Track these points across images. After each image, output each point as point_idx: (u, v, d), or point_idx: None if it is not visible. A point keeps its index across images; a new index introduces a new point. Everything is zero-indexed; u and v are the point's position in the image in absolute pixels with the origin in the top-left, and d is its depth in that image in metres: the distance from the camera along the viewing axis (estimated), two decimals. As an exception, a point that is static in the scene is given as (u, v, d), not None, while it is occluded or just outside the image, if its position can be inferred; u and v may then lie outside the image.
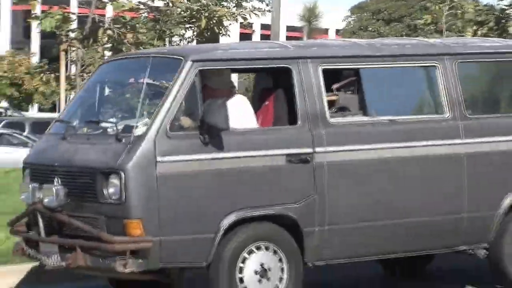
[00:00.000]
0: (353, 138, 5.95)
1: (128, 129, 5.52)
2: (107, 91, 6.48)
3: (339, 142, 5.87)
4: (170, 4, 15.66)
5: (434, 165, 6.15)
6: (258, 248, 5.63)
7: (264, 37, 37.71)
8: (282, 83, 6.01)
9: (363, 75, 6.17)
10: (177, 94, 5.49)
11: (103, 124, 5.88)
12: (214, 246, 5.46)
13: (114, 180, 5.33)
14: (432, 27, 23.82)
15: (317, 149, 5.77)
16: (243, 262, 5.57)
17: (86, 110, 6.28)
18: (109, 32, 14.56)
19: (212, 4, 16.10)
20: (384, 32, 44.63)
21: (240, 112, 5.82)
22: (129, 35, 14.53)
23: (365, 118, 6.13)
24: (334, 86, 6.27)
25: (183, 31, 17.51)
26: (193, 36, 17.44)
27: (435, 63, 6.29)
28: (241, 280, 5.56)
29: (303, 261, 5.78)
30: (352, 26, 51.01)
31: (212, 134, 5.43)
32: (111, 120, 6.00)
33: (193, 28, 16.79)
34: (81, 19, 16.00)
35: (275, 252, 5.67)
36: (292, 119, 5.85)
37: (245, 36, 39.22)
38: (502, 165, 6.35)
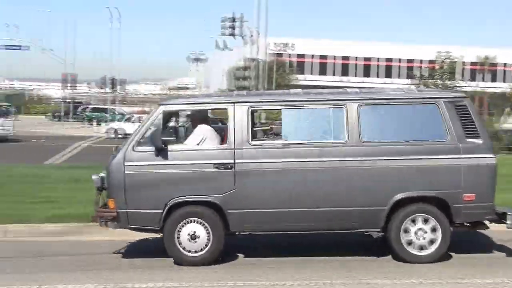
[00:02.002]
0: (262, 154, 9.32)
1: (122, 146, 9.66)
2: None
3: (253, 157, 9.28)
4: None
5: (327, 174, 9.27)
6: (191, 221, 9.32)
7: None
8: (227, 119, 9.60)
9: (284, 113, 9.58)
10: (144, 126, 9.58)
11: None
12: (162, 217, 9.25)
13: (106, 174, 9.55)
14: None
15: (237, 161, 9.28)
16: (181, 228, 9.28)
17: None
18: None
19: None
20: None
21: (200, 135, 9.67)
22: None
23: (276, 142, 9.63)
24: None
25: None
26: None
27: (342, 105, 9.44)
28: (179, 240, 9.29)
29: (228, 231, 9.33)
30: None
31: (156, 150, 9.29)
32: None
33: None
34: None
35: (203, 224, 9.31)
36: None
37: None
38: (387, 176, 9.28)
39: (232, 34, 45.95)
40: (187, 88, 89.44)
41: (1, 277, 8.85)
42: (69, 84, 71.67)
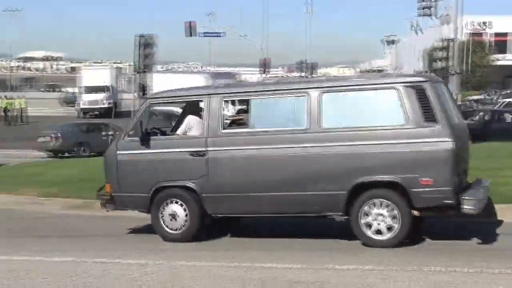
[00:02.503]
0: (231, 142, 10.10)
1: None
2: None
3: (223, 145, 10.10)
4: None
5: (289, 160, 9.71)
6: (171, 202, 10.42)
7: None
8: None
9: (251, 102, 10.25)
10: (134, 118, 10.89)
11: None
12: (148, 200, 10.46)
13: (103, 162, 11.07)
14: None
15: (209, 149, 10.16)
16: (163, 209, 10.42)
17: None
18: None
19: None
20: None
21: (185, 125, 10.89)
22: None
23: (243, 130, 10.31)
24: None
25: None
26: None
27: (305, 93, 9.82)
28: (163, 219, 10.44)
29: (206, 213, 10.29)
30: None
31: (140, 140, 10.50)
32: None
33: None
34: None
35: (181, 205, 10.37)
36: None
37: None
38: (346, 161, 9.51)
39: (428, 14, 45.18)
40: (380, 71, 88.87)
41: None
42: (264, 69, 74.01)
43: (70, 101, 72.32)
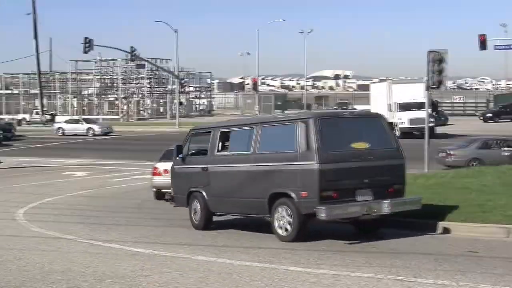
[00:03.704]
0: (219, 161, 14.54)
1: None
2: None
3: (215, 163, 14.58)
4: None
5: (241, 175, 13.87)
6: (193, 201, 15.22)
7: None
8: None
9: (231, 134, 14.71)
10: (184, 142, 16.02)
11: None
12: (186, 199, 15.35)
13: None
14: None
15: (209, 165, 14.75)
16: (192, 206, 15.24)
17: None
18: None
19: None
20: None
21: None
22: None
23: (225, 153, 14.64)
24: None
25: None
26: None
27: (254, 126, 14.02)
28: (191, 212, 15.28)
29: (210, 211, 14.87)
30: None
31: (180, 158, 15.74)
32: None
33: None
34: None
35: (199, 204, 14.96)
36: None
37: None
38: (264, 177, 13.27)
39: None
40: None
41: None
42: None
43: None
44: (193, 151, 15.55)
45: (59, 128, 63.90)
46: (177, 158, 15.64)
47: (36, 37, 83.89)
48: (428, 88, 23.90)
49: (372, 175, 12.63)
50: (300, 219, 12.45)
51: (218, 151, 14.64)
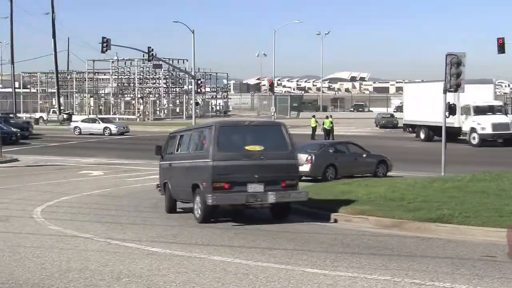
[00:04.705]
0: (176, 159, 18.20)
1: None
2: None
3: (175, 160, 18.32)
4: None
5: (183, 170, 17.44)
6: (165, 190, 18.80)
7: None
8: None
9: (184, 136, 18.41)
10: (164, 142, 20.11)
11: None
12: (163, 188, 19.15)
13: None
14: None
15: (171, 162, 18.62)
16: (166, 194, 18.71)
17: None
18: None
19: None
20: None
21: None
22: None
23: (178, 153, 18.24)
24: None
25: None
26: None
27: (192, 131, 18.00)
28: (165, 199, 18.98)
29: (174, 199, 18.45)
30: None
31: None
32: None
33: None
34: None
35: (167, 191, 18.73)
36: None
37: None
38: (188, 171, 17.02)
39: None
40: None
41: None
42: None
43: (379, 123, 73.04)
44: (171, 152, 18.83)
45: (75, 127, 64.38)
46: (160, 156, 19.54)
47: (54, 36, 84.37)
48: (446, 90, 23.80)
49: (263, 171, 15.36)
50: (204, 205, 15.46)
51: (176, 150, 18.17)
